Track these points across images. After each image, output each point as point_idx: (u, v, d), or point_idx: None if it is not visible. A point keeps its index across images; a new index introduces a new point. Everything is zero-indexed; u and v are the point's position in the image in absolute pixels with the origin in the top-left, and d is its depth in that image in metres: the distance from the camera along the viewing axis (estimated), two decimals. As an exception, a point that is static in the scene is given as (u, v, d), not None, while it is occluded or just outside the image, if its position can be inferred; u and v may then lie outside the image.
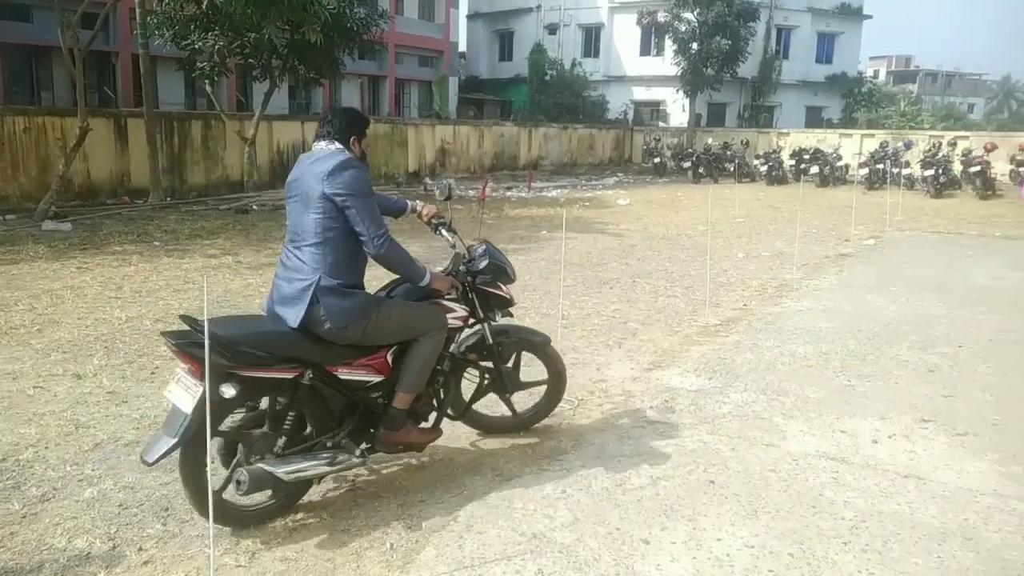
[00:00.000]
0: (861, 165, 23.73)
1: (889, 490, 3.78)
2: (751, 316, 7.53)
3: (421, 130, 25.21)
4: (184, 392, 3.12)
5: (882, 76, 72.68)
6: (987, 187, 20.55)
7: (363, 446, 3.57)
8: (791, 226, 13.35)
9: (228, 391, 3.12)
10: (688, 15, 32.88)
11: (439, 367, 3.87)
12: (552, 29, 42.77)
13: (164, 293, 8.09)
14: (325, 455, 3.46)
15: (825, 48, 42.59)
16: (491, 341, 4.15)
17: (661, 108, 40.41)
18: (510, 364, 4.35)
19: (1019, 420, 4.74)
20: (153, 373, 5.50)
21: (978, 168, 20.86)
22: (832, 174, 24.42)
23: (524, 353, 4.43)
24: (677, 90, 35.41)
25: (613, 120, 38.51)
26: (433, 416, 3.96)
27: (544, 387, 4.51)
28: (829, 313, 7.64)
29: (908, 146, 24.91)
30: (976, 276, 9.67)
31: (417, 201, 4.24)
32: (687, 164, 26.66)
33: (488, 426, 4.46)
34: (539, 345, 4.45)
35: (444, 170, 25.55)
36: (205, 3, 11.70)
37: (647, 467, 4.01)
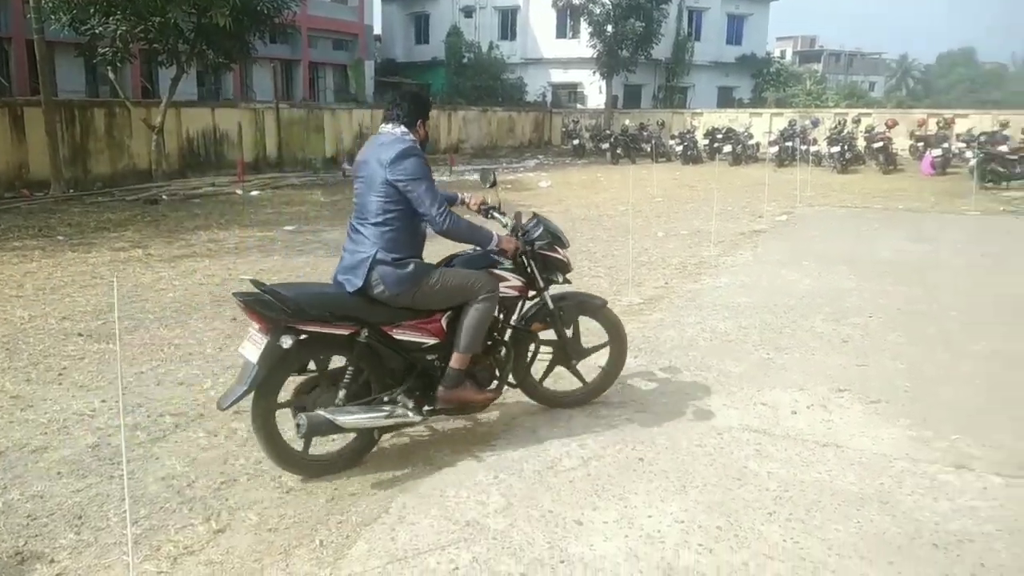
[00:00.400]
0: (771, 143, 24.46)
1: (809, 459, 3.91)
2: (672, 294, 7.67)
3: (338, 115, 24.70)
4: (253, 346, 3.55)
5: (789, 56, 74.99)
6: (889, 162, 21.48)
7: (425, 408, 3.88)
8: (707, 204, 13.65)
9: (286, 342, 3.51)
10: (602, -3, 33.15)
11: (499, 336, 4.17)
12: (468, 12, 42.46)
13: (70, 290, 7.71)
14: (384, 409, 3.78)
15: (735, 30, 43.65)
16: (551, 306, 4.31)
17: (579, 90, 40.72)
18: (570, 332, 4.50)
19: (927, 386, 4.97)
20: (60, 375, 5.23)
21: (881, 144, 21.79)
22: (744, 152, 25.09)
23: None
24: (594, 72, 35.70)
25: (532, 103, 38.56)
26: (494, 383, 4.18)
27: (607, 351, 4.62)
28: (746, 288, 7.85)
29: (815, 124, 25.79)
30: (882, 249, 10.10)
31: (464, 192, 4.42)
32: (605, 146, 26.97)
33: (560, 401, 4.60)
34: (598, 307, 4.56)
35: (363, 156, 25.08)
36: (102, -16, 11.11)
37: (578, 448, 4.04)
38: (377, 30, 45.78)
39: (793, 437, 4.19)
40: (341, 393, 3.71)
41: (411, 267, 3.79)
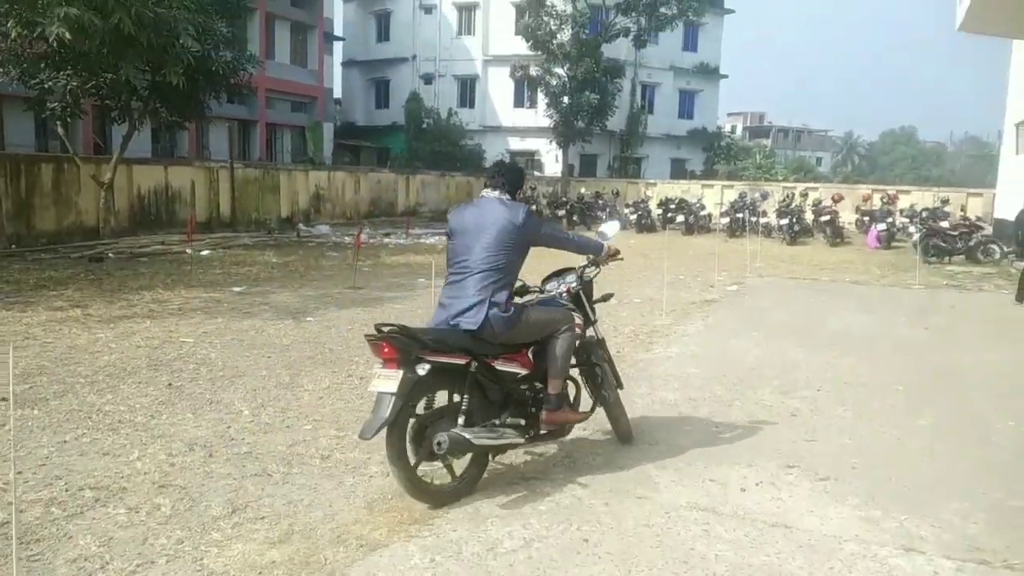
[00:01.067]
0: (723, 214, 25.00)
1: (758, 540, 3.80)
2: (623, 363, 7.58)
3: (294, 176, 24.65)
4: (387, 380, 3.99)
5: (739, 131, 77.56)
6: (836, 235, 22.07)
7: (530, 433, 4.52)
8: (660, 273, 13.75)
9: (421, 370, 4.06)
10: (558, 70, 34.02)
11: (589, 361, 5.01)
12: (428, 79, 43.18)
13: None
14: (497, 431, 4.32)
15: (686, 104, 45.05)
16: (600, 336, 5.18)
17: (536, 158, 41.40)
18: (609, 364, 5.23)
19: (875, 463, 4.93)
20: (-24, 444, 4.90)
21: (828, 217, 22.43)
22: (697, 223, 25.58)
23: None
24: (550, 141, 36.44)
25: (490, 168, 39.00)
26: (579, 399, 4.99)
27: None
28: (697, 359, 7.83)
29: (764, 196, 26.53)
30: (830, 320, 10.23)
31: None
32: (562, 212, 27.29)
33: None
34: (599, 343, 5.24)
35: (319, 216, 24.99)
36: (53, 39, 10.96)
37: (520, 527, 3.88)
38: (337, 93, 46.21)
39: (742, 516, 4.08)
40: (461, 420, 4.20)
41: (513, 310, 4.40)
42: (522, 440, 4.47)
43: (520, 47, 35.72)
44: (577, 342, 4.76)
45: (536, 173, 39.76)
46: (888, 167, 75.17)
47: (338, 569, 3.46)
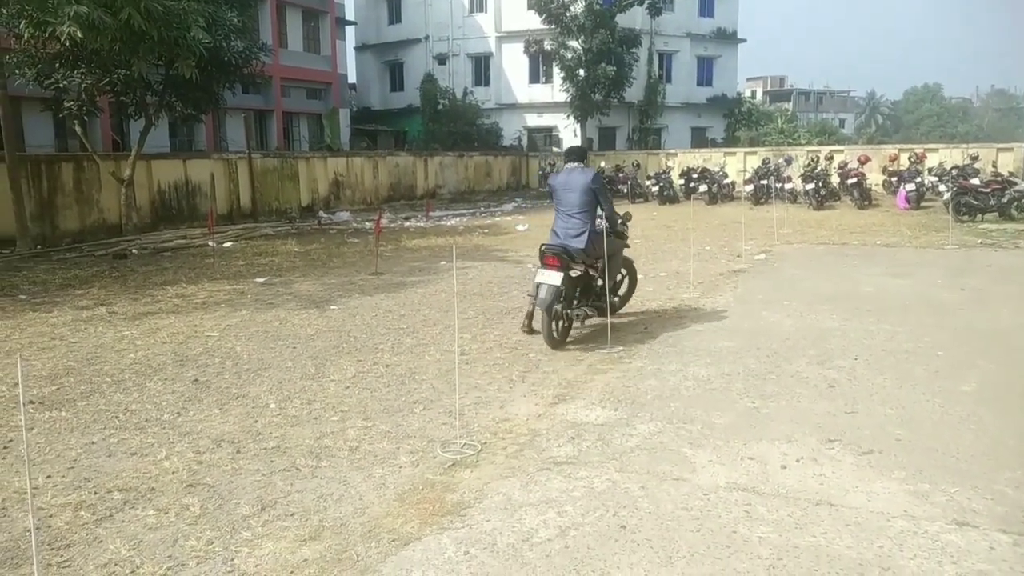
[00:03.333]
0: (747, 182, 24.61)
1: (802, 520, 3.66)
2: (652, 339, 7.45)
3: (313, 163, 24.57)
4: (552, 276, 6.91)
5: (759, 96, 76.35)
6: (864, 197, 21.60)
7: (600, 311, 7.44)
8: (685, 245, 13.55)
9: (573, 272, 7.04)
10: (573, 43, 33.54)
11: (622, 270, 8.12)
12: (442, 59, 42.86)
13: (27, 352, 7.35)
14: (586, 307, 7.36)
15: (705, 71, 44.30)
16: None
17: (554, 133, 41.00)
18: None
19: (920, 434, 4.76)
20: (5, 448, 4.89)
21: (855, 180, 21.94)
22: (720, 192, 25.20)
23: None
24: (568, 116, 36.02)
25: (508, 147, 38.79)
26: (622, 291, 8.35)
27: (626, 280, 8.42)
28: (728, 332, 7.65)
29: (788, 161, 26.02)
30: (863, 285, 9.99)
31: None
32: (582, 187, 26.92)
33: (600, 310, 7.59)
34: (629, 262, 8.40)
35: (339, 203, 24.97)
36: (64, 38, 10.91)
37: (555, 516, 3.77)
38: (352, 79, 46.06)
39: (784, 495, 3.94)
40: (574, 302, 7.24)
41: (598, 236, 7.24)
42: (594, 313, 7.46)
43: (533, 21, 35.27)
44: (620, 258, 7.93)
45: (555, 149, 39.43)
46: (913, 126, 73.57)
47: (371, 565, 3.38)
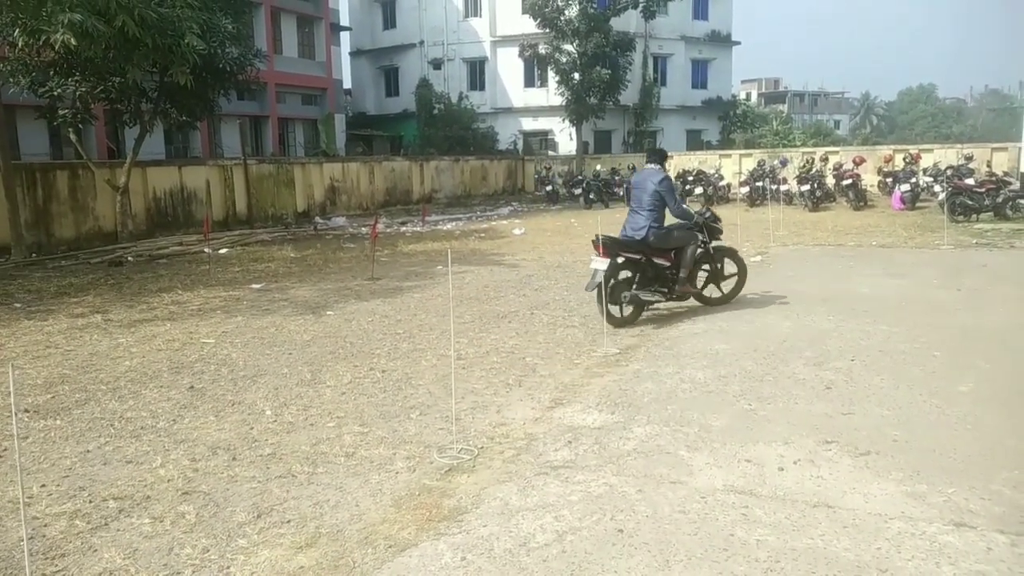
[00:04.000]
0: (742, 184, 24.63)
1: (800, 523, 3.65)
2: (649, 342, 7.45)
3: (308, 169, 24.56)
4: (601, 263, 7.76)
5: (754, 98, 76.50)
6: (860, 199, 21.62)
7: (667, 296, 8.43)
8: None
9: (619, 259, 7.99)
10: (568, 47, 33.58)
11: (699, 262, 8.74)
12: (437, 64, 42.90)
13: (22, 361, 7.34)
14: (651, 291, 8.24)
15: (699, 74, 44.38)
16: (711, 252, 8.91)
17: (549, 137, 41.06)
18: (719, 266, 9.03)
19: (917, 435, 4.76)
20: (0, 457, 4.87)
21: (850, 181, 21.96)
22: (716, 194, 25.23)
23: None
24: (563, 119, 36.07)
25: (504, 151, 38.82)
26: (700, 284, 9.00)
27: (735, 277, 9.14)
28: (724, 333, 7.65)
29: (784, 163, 26.04)
30: (859, 286, 9.99)
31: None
32: (578, 191, 27.01)
33: (708, 302, 8.93)
34: (733, 253, 9.18)
35: (335, 208, 24.96)
36: (59, 46, 10.88)
37: (552, 520, 3.76)
38: (347, 84, 46.09)
39: (781, 498, 3.94)
40: (634, 287, 8.14)
41: (664, 229, 8.26)
42: (663, 299, 8.44)
43: (528, 26, 35.30)
44: (698, 250, 8.58)
45: (550, 152, 39.49)
46: (908, 126, 73.76)
47: (367, 572, 3.37)
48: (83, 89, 15.09)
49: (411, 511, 3.94)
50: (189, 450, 4.89)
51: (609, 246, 7.89)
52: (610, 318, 7.76)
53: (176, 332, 8.44)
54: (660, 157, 8.69)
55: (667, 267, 8.32)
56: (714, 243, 8.88)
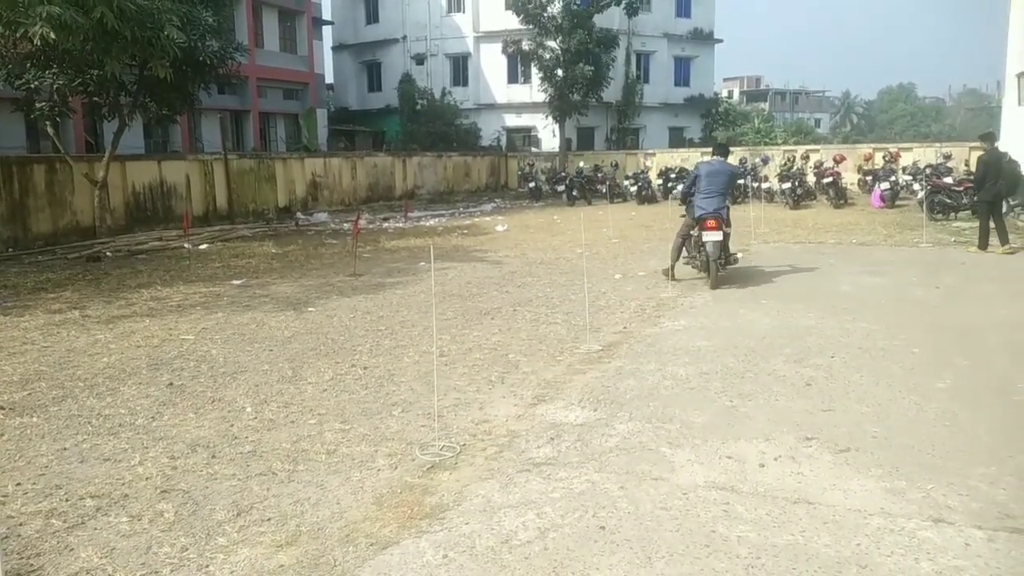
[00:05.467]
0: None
1: (781, 519, 3.67)
2: (631, 339, 7.47)
3: (290, 164, 24.39)
4: (715, 235, 9.68)
5: (736, 96, 76.90)
6: (840, 196, 21.80)
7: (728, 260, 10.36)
8: (664, 244, 13.58)
9: (728, 230, 10.06)
10: (551, 43, 33.53)
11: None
12: (420, 59, 42.71)
13: (-4, 358, 7.23)
14: (723, 261, 10.13)
15: (682, 71, 44.48)
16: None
17: (532, 134, 41.01)
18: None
19: (896, 431, 4.80)
20: (-26, 456, 4.79)
21: (830, 179, 22.13)
22: (698, 191, 25.25)
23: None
24: (546, 116, 36.02)
25: (487, 147, 38.75)
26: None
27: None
28: (706, 331, 7.68)
29: (765, 161, 26.19)
30: (839, 283, 10.08)
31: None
32: (561, 187, 27.02)
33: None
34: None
35: (316, 204, 24.82)
36: (36, 38, 10.73)
37: (534, 517, 3.75)
38: (329, 79, 45.77)
39: (762, 494, 3.96)
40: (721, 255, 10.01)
41: (729, 209, 10.11)
42: (717, 267, 9.95)
43: (511, 22, 35.22)
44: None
45: (533, 149, 39.44)
46: (887, 125, 74.42)
47: (348, 570, 3.34)
48: (61, 82, 14.90)
49: (392, 509, 3.92)
50: (168, 447, 4.84)
51: (719, 219, 9.69)
52: (715, 283, 9.85)
53: (155, 328, 8.35)
54: (725, 152, 10.61)
55: (727, 237, 10.15)
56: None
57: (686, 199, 10.57)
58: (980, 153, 13.29)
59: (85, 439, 5.04)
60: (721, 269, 10.00)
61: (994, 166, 12.60)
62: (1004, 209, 17.46)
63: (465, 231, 18.60)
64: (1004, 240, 12.44)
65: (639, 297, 9.58)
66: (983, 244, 12.58)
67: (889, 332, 7.35)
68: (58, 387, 6.22)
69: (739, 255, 11.65)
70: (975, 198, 13.26)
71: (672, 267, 10.60)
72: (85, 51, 13.09)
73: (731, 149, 15.23)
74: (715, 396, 5.60)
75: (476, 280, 11.10)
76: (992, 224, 12.58)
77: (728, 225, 10.03)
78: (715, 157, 10.38)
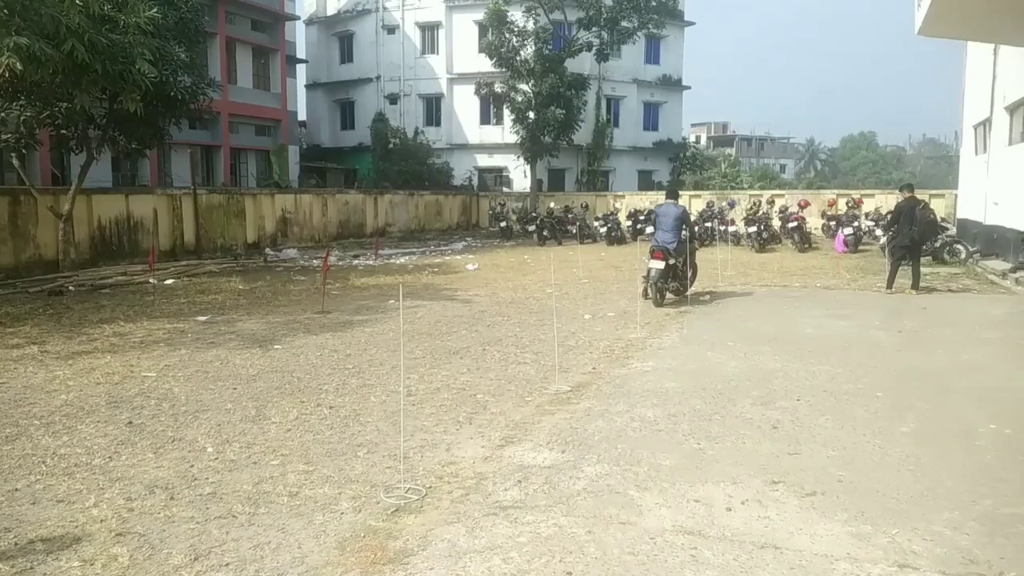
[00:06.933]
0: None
1: (747, 564, 3.66)
2: (600, 380, 7.46)
3: (260, 199, 24.28)
4: (658, 264, 11.77)
5: (703, 141, 78.39)
6: (804, 241, 22.19)
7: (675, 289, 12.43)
8: (632, 284, 13.70)
9: (671, 261, 11.92)
10: (523, 86, 34.03)
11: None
12: (393, 99, 43.07)
13: (-51, 395, 7.01)
14: (675, 287, 12.38)
15: (651, 116, 45.34)
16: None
17: (504, 174, 41.36)
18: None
19: (861, 475, 4.82)
20: (-80, 497, 4.62)
21: (795, 224, 22.54)
22: (667, 233, 25.56)
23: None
24: (518, 157, 36.39)
25: (459, 186, 38.97)
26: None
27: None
28: (674, 372, 7.71)
29: (732, 205, 26.64)
30: (804, 326, 10.20)
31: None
32: (532, 227, 27.20)
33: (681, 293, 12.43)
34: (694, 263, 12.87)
35: (286, 240, 24.68)
36: (3, 69, 10.62)
37: (500, 563, 3.70)
38: (302, 116, 45.90)
39: (729, 539, 3.94)
40: (668, 280, 12.13)
41: (680, 245, 12.04)
42: (680, 296, 12.26)
43: (484, 64, 35.71)
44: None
45: (505, 189, 39.74)
46: (850, 172, 76.27)
47: (308, 618, 3.25)
48: (28, 114, 14.75)
49: (355, 553, 3.84)
50: (125, 489, 4.71)
51: (665, 251, 11.81)
52: (656, 302, 11.92)
53: (116, 365, 8.18)
54: (675, 195, 13.07)
55: (679, 266, 12.18)
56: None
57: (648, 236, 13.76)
58: (900, 200, 14.13)
59: (38, 479, 4.89)
60: (668, 293, 12.26)
61: (908, 213, 13.43)
62: (964, 256, 17.93)
63: (436, 269, 18.58)
64: (915, 285, 13.37)
65: (608, 338, 9.60)
66: (889, 284, 13.54)
67: (853, 375, 7.44)
68: (12, 424, 6.04)
69: (707, 296, 12.74)
70: (891, 242, 14.31)
71: (645, 289, 12.67)
72: (54, 83, 12.98)
73: (681, 193, 18.51)
74: (683, 438, 5.60)
75: (446, 319, 11.06)
76: (911, 267, 13.55)
77: (681, 256, 12.07)
78: (668, 200, 12.70)
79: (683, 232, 12.12)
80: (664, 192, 14.52)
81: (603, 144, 41.54)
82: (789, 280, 15.40)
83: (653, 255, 11.87)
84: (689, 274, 12.52)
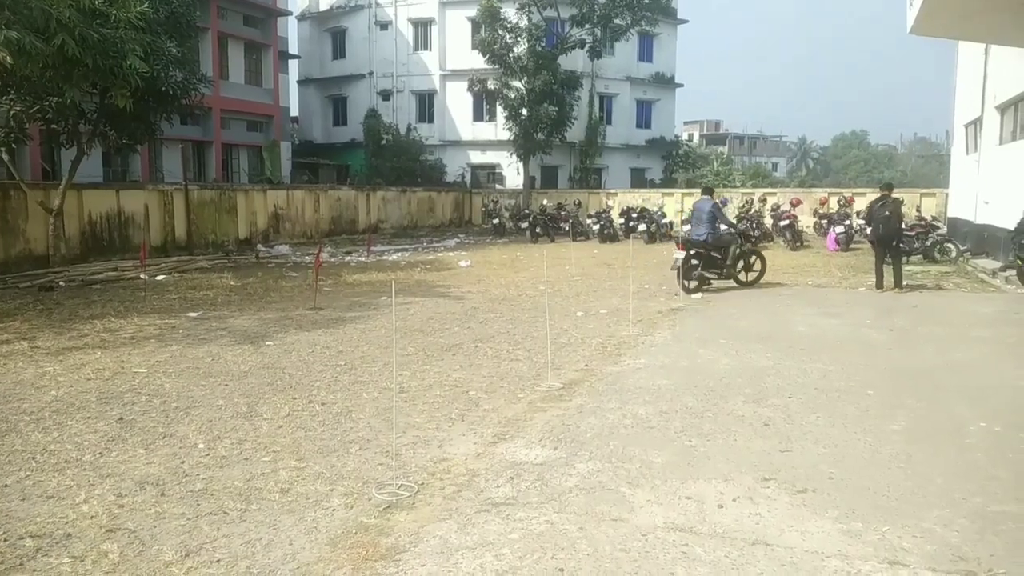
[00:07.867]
0: (684, 222, 25.03)
1: (739, 560, 3.66)
2: (593, 377, 7.47)
3: (252, 195, 24.20)
4: (680, 254, 13.30)
5: (696, 139, 78.48)
6: (796, 239, 22.25)
7: (719, 277, 13.79)
8: (625, 282, 13.70)
9: (691, 250, 13.47)
10: (516, 83, 34.00)
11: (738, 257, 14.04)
12: (386, 95, 42.95)
13: (-62, 390, 6.97)
14: (713, 272, 13.69)
15: (644, 114, 45.37)
16: (745, 251, 14.32)
17: (497, 171, 41.34)
18: (751, 260, 14.34)
19: (852, 472, 4.84)
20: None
21: (787, 222, 22.61)
22: (659, 231, 25.66)
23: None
24: (511, 154, 36.37)
25: (452, 183, 38.92)
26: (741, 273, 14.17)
27: (760, 270, 14.31)
28: (666, 370, 7.72)
29: (724, 203, 26.61)
30: (796, 324, 10.23)
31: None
32: (525, 224, 27.22)
33: (741, 283, 14.02)
34: (759, 253, 14.70)
35: (278, 236, 24.61)
36: (-7, 64, 10.57)
37: (492, 559, 3.69)
38: (294, 112, 45.75)
39: (720, 535, 3.95)
40: (699, 269, 13.42)
41: (716, 234, 13.45)
42: (716, 278, 13.67)
43: (477, 61, 35.67)
44: (738, 249, 13.78)
45: (498, 186, 39.72)
46: (842, 170, 76.56)
47: (299, 614, 3.24)
48: (18, 108, 14.66)
49: (347, 550, 3.83)
50: (115, 485, 4.69)
51: (686, 244, 13.43)
52: (685, 288, 13.18)
53: (107, 361, 8.14)
54: (710, 191, 14.51)
55: (718, 258, 13.51)
56: (747, 245, 14.62)
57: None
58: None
59: (28, 475, 4.86)
60: (708, 280, 13.70)
61: (873, 213, 13.68)
62: (955, 254, 18.02)
63: (428, 266, 18.56)
64: (897, 283, 13.40)
65: (601, 335, 9.61)
66: (878, 284, 13.58)
67: (845, 373, 7.47)
68: (2, 421, 6.01)
69: (699, 294, 12.99)
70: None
71: (689, 283, 13.80)
72: (45, 78, 12.89)
73: (673, 191, 21.00)
74: (675, 435, 5.61)
75: (438, 315, 11.05)
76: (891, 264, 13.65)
77: (717, 251, 13.49)
78: (703, 196, 14.08)
79: (718, 225, 13.42)
80: (670, 190, 16.10)
81: (596, 141, 41.54)
82: (781, 278, 15.42)
83: (677, 246, 13.76)
84: (754, 268, 14.16)
